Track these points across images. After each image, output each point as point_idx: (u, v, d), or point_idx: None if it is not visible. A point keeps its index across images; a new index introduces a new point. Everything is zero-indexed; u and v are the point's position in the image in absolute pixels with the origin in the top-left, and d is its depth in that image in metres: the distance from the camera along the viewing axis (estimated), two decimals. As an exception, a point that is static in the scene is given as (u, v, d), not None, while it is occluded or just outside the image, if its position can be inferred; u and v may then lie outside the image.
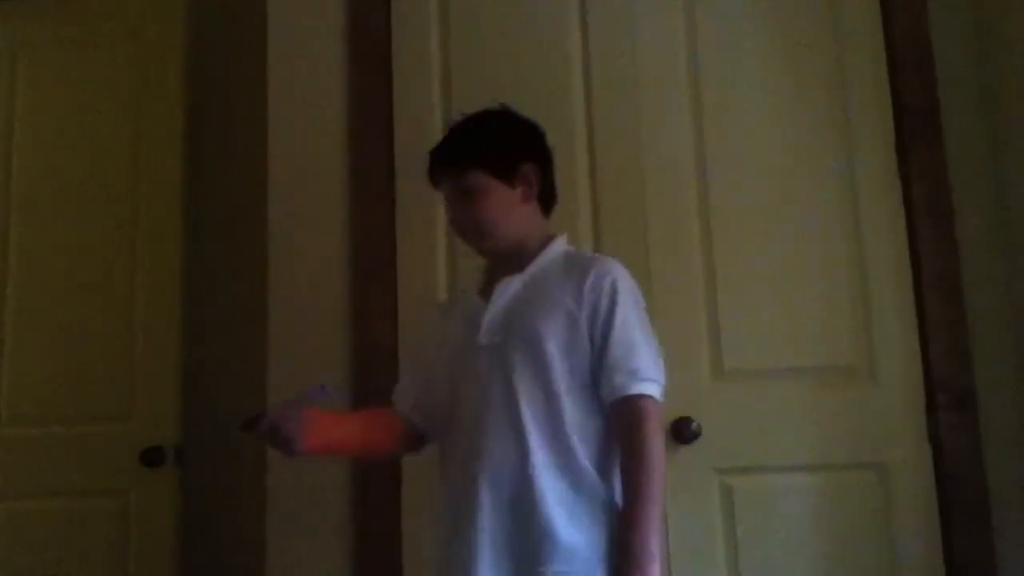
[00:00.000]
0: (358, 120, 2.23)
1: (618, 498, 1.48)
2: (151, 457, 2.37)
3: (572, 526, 1.45)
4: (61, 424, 2.48)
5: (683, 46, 2.21)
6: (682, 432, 2.01)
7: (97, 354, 2.48)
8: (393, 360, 2.14)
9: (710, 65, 2.19)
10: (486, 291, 1.61)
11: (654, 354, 1.53)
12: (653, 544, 1.40)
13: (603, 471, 1.49)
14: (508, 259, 1.62)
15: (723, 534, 2.00)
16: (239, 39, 2.50)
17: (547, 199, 1.69)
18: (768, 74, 2.19)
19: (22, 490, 2.47)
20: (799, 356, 2.08)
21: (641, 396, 1.48)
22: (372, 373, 2.13)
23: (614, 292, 1.51)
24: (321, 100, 2.24)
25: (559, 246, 1.64)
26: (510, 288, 1.58)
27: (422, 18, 2.27)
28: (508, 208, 1.61)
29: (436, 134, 2.19)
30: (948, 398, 2.01)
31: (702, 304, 2.10)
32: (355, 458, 1.67)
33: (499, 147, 1.63)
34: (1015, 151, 2.06)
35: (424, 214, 2.19)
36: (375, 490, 2.11)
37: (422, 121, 2.22)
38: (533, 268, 1.59)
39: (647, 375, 1.49)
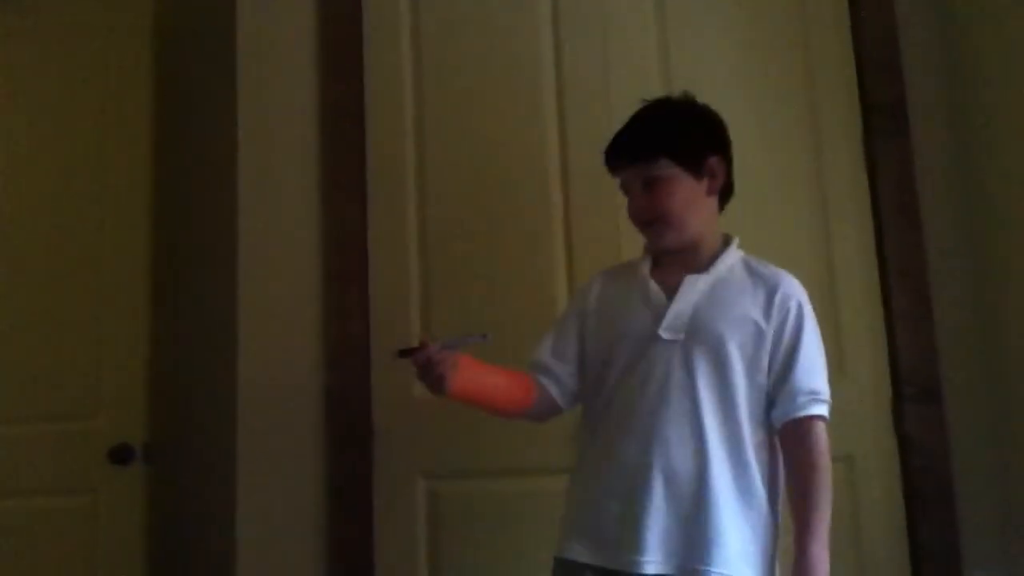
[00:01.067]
0: (330, 119, 2.23)
1: (778, 520, 1.53)
2: (119, 455, 2.35)
3: (740, 536, 1.48)
4: (28, 422, 2.45)
5: (654, 41, 2.21)
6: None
7: (64, 351, 2.46)
8: (366, 359, 2.14)
9: (680, 62, 2.20)
10: (665, 282, 1.58)
11: (826, 377, 1.56)
12: (827, 555, 1.46)
13: (768, 490, 1.53)
14: (685, 254, 1.60)
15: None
16: (209, 35, 2.48)
17: (726, 194, 1.66)
18: (738, 71, 2.20)
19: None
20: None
21: (821, 417, 1.53)
22: (344, 371, 2.13)
23: (801, 313, 1.54)
24: (293, 99, 2.23)
25: (736, 250, 1.62)
26: (697, 286, 1.56)
27: (394, 17, 2.27)
28: (694, 200, 1.58)
29: (408, 133, 2.22)
30: (914, 391, 2.03)
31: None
32: (489, 412, 1.65)
33: (688, 137, 1.59)
34: (981, 147, 2.08)
35: (396, 214, 2.19)
36: (348, 489, 2.11)
37: (394, 120, 2.23)
38: (718, 269, 1.58)
39: (825, 397, 1.54)
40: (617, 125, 2.12)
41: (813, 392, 1.51)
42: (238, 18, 2.25)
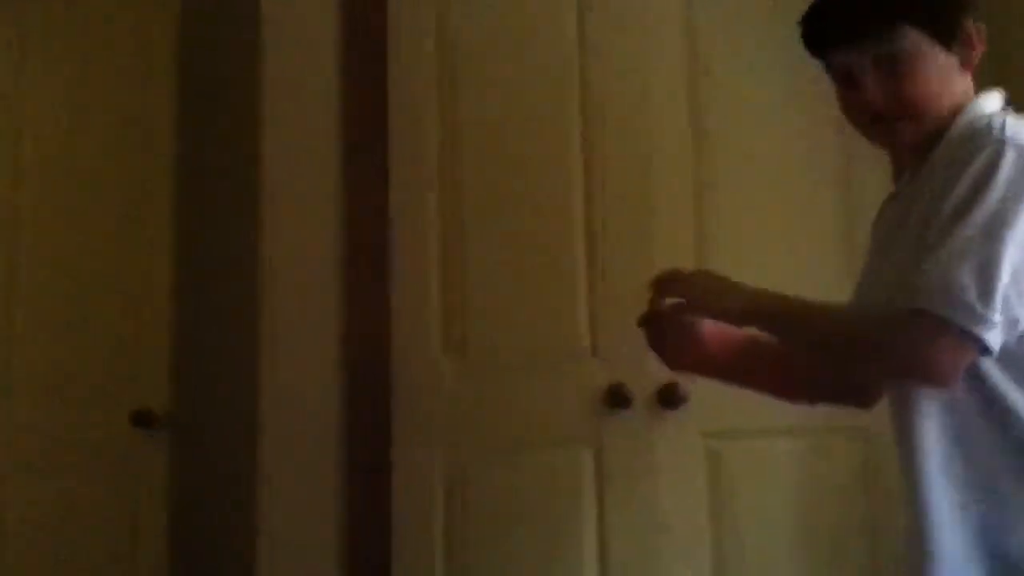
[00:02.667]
0: (353, 101, 2.24)
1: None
2: (141, 419, 2.38)
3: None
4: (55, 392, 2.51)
5: (681, 36, 2.21)
6: (669, 397, 2.02)
7: (89, 316, 2.50)
8: (387, 334, 2.16)
9: (708, 47, 2.20)
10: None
11: (980, 270, 1.03)
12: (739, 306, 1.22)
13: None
14: (920, 152, 1.21)
15: (708, 498, 2.03)
16: (233, 23, 2.49)
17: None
18: (767, 72, 2.18)
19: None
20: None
21: (924, 314, 1.04)
22: (365, 346, 2.15)
23: (968, 160, 1.08)
24: (316, 80, 2.24)
25: (975, 110, 1.18)
26: (891, 208, 1.27)
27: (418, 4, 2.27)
28: (946, 80, 1.18)
29: (432, 113, 2.21)
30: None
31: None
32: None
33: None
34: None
35: (418, 192, 2.21)
36: (368, 462, 2.13)
37: (417, 102, 2.23)
38: (927, 166, 1.18)
39: (944, 297, 1.04)
40: (644, 108, 2.15)
41: (930, 281, 1.04)
42: (262, 5, 2.26)
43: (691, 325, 1.31)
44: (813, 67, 2.12)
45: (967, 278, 1.01)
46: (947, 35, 1.18)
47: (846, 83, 1.23)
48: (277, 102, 2.21)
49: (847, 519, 2.01)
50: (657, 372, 2.02)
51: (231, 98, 2.45)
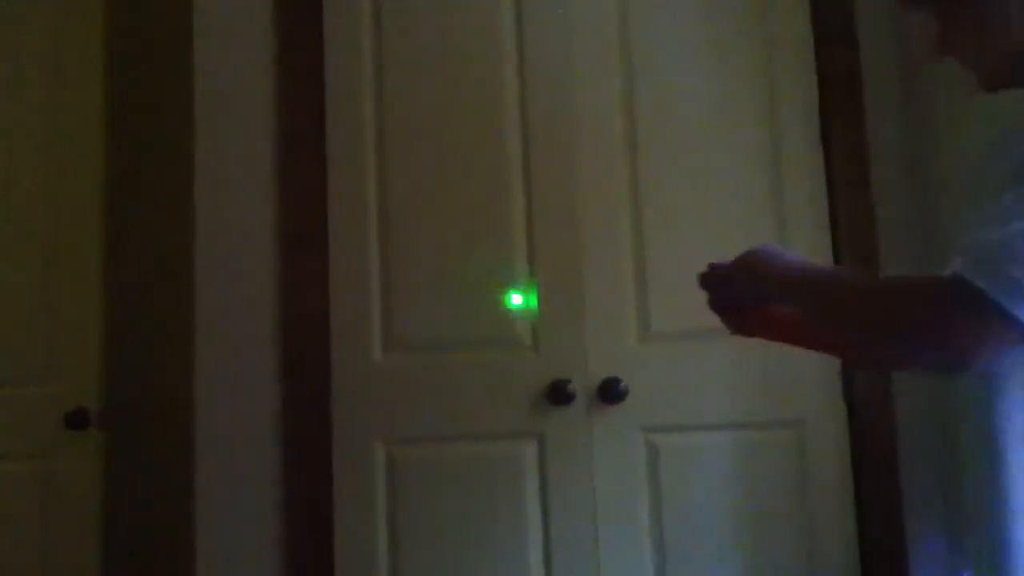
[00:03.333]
0: (287, 81, 2.21)
1: None
2: (75, 420, 2.33)
3: None
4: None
5: (615, 12, 2.22)
6: (610, 392, 2.06)
7: (19, 315, 2.42)
8: (325, 323, 2.14)
9: (641, 31, 2.22)
10: None
11: None
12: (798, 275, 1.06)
13: None
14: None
15: (648, 491, 2.06)
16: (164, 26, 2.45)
17: None
18: (696, 42, 2.22)
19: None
20: (722, 319, 2.14)
21: (968, 284, 0.86)
22: (303, 335, 2.13)
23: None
24: (250, 61, 2.20)
25: None
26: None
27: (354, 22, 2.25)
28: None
29: (368, 96, 2.21)
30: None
31: (630, 269, 2.14)
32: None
33: None
34: (934, 121, 2.12)
35: (356, 179, 2.19)
36: (307, 453, 2.12)
37: (353, 83, 2.21)
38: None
39: (1001, 262, 0.86)
40: (577, 87, 2.17)
41: (980, 246, 0.88)
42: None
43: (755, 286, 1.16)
44: (745, 62, 2.19)
45: (1020, 249, 0.85)
46: None
47: (927, 30, 1.10)
48: (211, 103, 2.17)
49: (782, 509, 2.06)
50: (598, 368, 2.07)
51: (162, 87, 2.40)
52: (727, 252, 2.08)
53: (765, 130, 2.19)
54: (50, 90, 2.50)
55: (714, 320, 2.08)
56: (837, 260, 2.13)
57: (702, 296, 2.08)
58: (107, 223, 2.44)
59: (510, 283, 2.14)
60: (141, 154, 2.51)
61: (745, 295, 1.17)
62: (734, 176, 2.18)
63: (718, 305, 1.23)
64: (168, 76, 2.36)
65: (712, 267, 1.22)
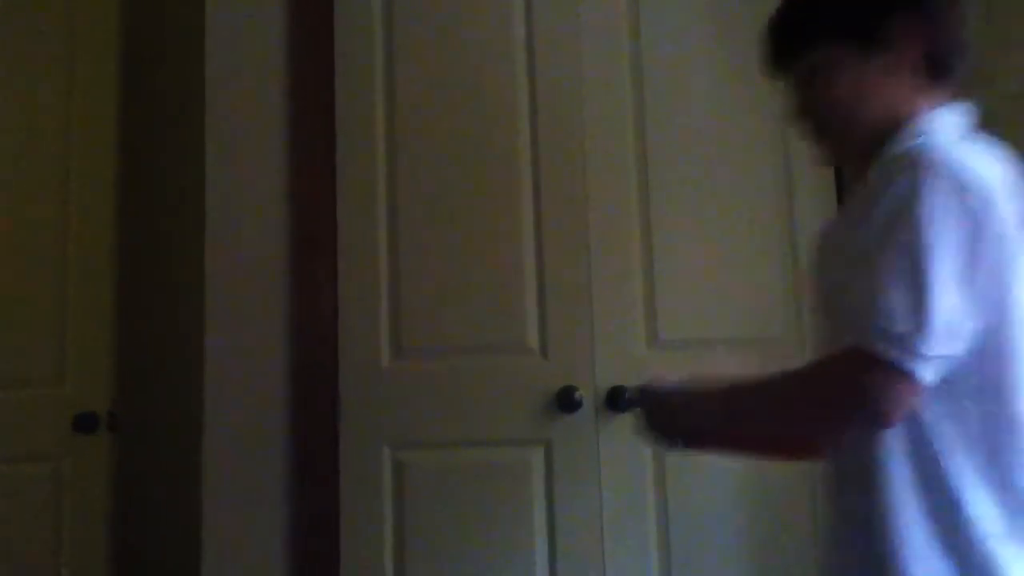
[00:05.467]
0: (299, 88, 2.20)
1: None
2: (84, 423, 2.34)
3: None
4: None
5: (625, 22, 2.21)
6: (618, 400, 2.05)
7: (30, 318, 2.44)
8: (333, 328, 2.14)
9: (651, 37, 2.21)
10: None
11: (914, 300, 0.98)
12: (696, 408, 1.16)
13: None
14: (866, 161, 1.15)
15: (655, 499, 2.05)
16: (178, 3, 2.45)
17: (938, 64, 1.15)
18: (707, 49, 2.21)
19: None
20: (731, 327, 2.13)
21: (862, 351, 1.00)
22: (311, 341, 2.13)
23: (887, 187, 1.04)
24: (262, 68, 2.20)
25: (920, 126, 1.12)
26: (826, 237, 1.22)
27: (365, 21, 2.24)
28: (866, 87, 1.14)
29: (379, 102, 2.21)
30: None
31: (639, 275, 2.13)
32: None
33: (849, 3, 1.15)
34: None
35: (365, 184, 2.19)
36: (314, 458, 2.12)
37: (364, 88, 2.21)
38: (864, 189, 1.11)
39: (872, 321, 1.00)
40: (586, 98, 2.16)
41: (851, 309, 1.02)
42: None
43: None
44: (754, 72, 2.18)
45: (898, 310, 0.97)
46: (866, 42, 1.13)
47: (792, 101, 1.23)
48: (222, 105, 2.17)
49: (790, 518, 2.04)
50: (606, 375, 2.07)
51: (174, 95, 2.41)
52: (737, 261, 2.10)
53: (777, 139, 2.17)
54: (63, 96, 2.53)
55: (724, 329, 2.10)
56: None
57: (711, 304, 2.10)
58: (118, 227, 2.46)
59: (519, 289, 2.13)
60: (152, 159, 2.52)
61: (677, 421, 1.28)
62: (745, 185, 2.17)
63: (655, 429, 1.31)
64: (180, 84, 2.37)
65: (643, 392, 1.33)
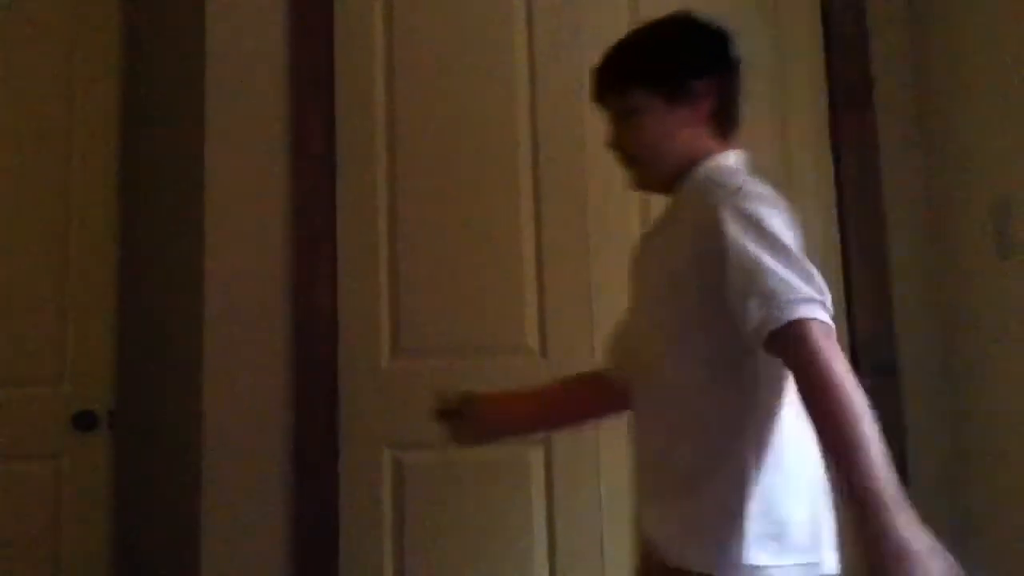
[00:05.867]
0: (299, 83, 2.20)
1: (752, 466, 1.24)
2: (84, 421, 2.34)
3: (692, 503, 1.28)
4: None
5: (626, 16, 2.19)
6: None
7: (30, 317, 2.43)
8: (332, 328, 2.14)
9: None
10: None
11: (799, 271, 1.18)
12: (882, 495, 1.06)
13: (732, 433, 1.26)
14: (670, 193, 1.42)
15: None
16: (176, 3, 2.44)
17: (725, 120, 1.42)
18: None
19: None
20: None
21: (792, 321, 1.15)
22: (311, 340, 2.13)
23: (722, 228, 1.23)
24: (261, 62, 2.19)
25: (709, 164, 1.37)
26: (648, 238, 1.45)
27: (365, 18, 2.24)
28: (669, 131, 1.38)
29: (379, 98, 2.21)
30: (871, 367, 2.07)
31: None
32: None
33: (662, 60, 1.40)
34: (944, 124, 2.11)
35: (364, 181, 2.19)
36: (314, 457, 2.12)
37: (364, 84, 2.21)
38: (670, 208, 1.40)
39: (790, 297, 1.16)
40: (586, 94, 2.15)
41: (771, 292, 1.17)
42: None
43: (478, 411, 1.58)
44: (753, 68, 2.18)
45: (794, 282, 1.17)
46: (673, 95, 1.37)
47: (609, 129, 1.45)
48: (222, 104, 2.17)
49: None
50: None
51: (175, 92, 2.41)
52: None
53: (777, 137, 2.18)
54: (64, 93, 2.51)
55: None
56: (846, 262, 2.12)
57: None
58: (119, 226, 2.45)
59: (519, 289, 2.13)
60: (153, 158, 2.51)
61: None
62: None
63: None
64: (181, 82, 2.36)
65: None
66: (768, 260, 1.18)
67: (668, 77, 1.38)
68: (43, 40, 2.54)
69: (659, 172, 1.40)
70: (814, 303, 1.16)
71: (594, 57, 2.13)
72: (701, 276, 1.26)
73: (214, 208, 2.15)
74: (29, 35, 2.54)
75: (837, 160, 2.17)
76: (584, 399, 1.64)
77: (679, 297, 1.29)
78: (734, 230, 1.21)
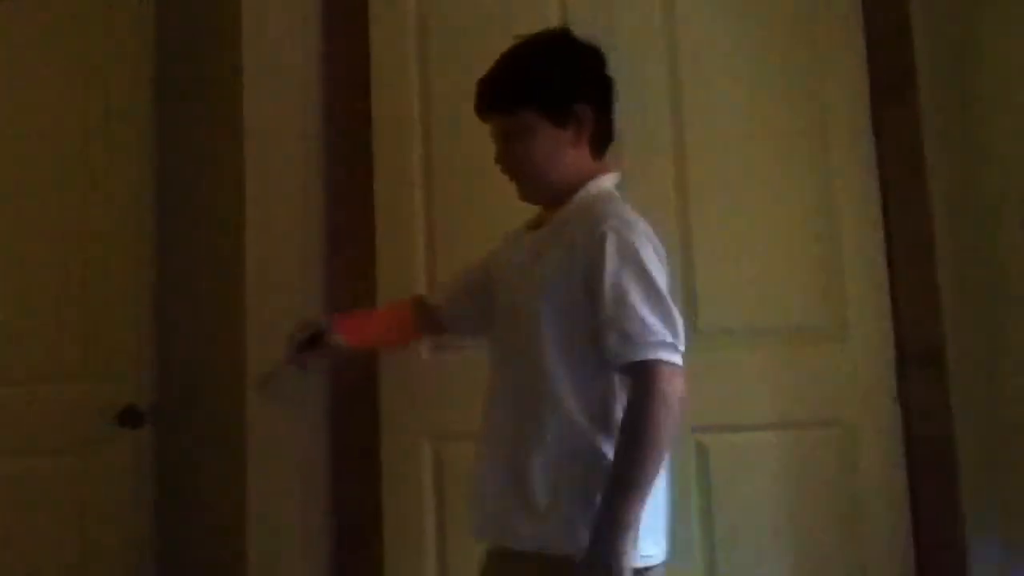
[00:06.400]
0: (335, 78, 2.22)
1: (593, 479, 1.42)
2: (128, 417, 2.36)
3: (550, 490, 1.43)
4: (38, 383, 2.47)
5: (660, 11, 2.20)
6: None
7: (71, 312, 2.46)
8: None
9: (687, 30, 2.19)
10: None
11: (661, 314, 1.39)
12: (623, 544, 1.33)
13: (603, 431, 1.43)
14: (552, 205, 1.54)
15: (697, 491, 2.03)
16: (211, 28, 2.47)
17: (602, 140, 1.56)
18: (743, 33, 2.19)
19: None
20: (772, 316, 2.10)
21: (641, 362, 1.37)
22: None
23: (603, 247, 1.39)
24: (298, 54, 2.21)
25: (593, 188, 1.51)
26: (523, 243, 1.55)
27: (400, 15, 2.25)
28: (555, 152, 1.50)
29: (414, 92, 2.21)
30: (917, 357, 2.04)
31: (677, 266, 2.10)
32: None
33: (551, 84, 1.49)
34: (989, 113, 2.08)
35: (401, 169, 2.21)
36: (355, 450, 2.13)
37: (400, 77, 2.22)
38: (557, 219, 1.51)
39: (646, 339, 1.37)
40: (623, 88, 2.12)
41: (626, 335, 1.36)
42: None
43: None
44: (792, 65, 2.16)
45: (657, 327, 1.38)
46: (558, 117, 1.48)
47: (494, 141, 1.56)
48: (258, 103, 2.20)
49: (834, 513, 2.02)
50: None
51: (212, 99, 2.43)
52: (775, 252, 2.08)
53: (815, 124, 2.15)
54: (98, 85, 2.54)
55: (764, 318, 2.08)
56: (890, 250, 2.09)
57: (752, 294, 2.08)
58: (158, 220, 2.47)
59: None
60: (191, 150, 2.53)
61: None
62: (783, 170, 2.14)
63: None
64: (216, 83, 2.38)
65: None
66: (636, 298, 1.37)
67: (556, 100, 1.48)
68: (77, 34, 2.58)
69: (545, 189, 1.52)
70: (666, 346, 1.37)
71: (627, 44, 2.16)
72: (584, 294, 1.41)
73: (253, 203, 2.17)
74: (63, 29, 2.59)
75: (880, 148, 2.14)
76: (419, 323, 1.82)
77: (561, 307, 1.43)
78: (614, 262, 1.38)
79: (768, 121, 2.16)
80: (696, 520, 2.03)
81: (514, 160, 1.51)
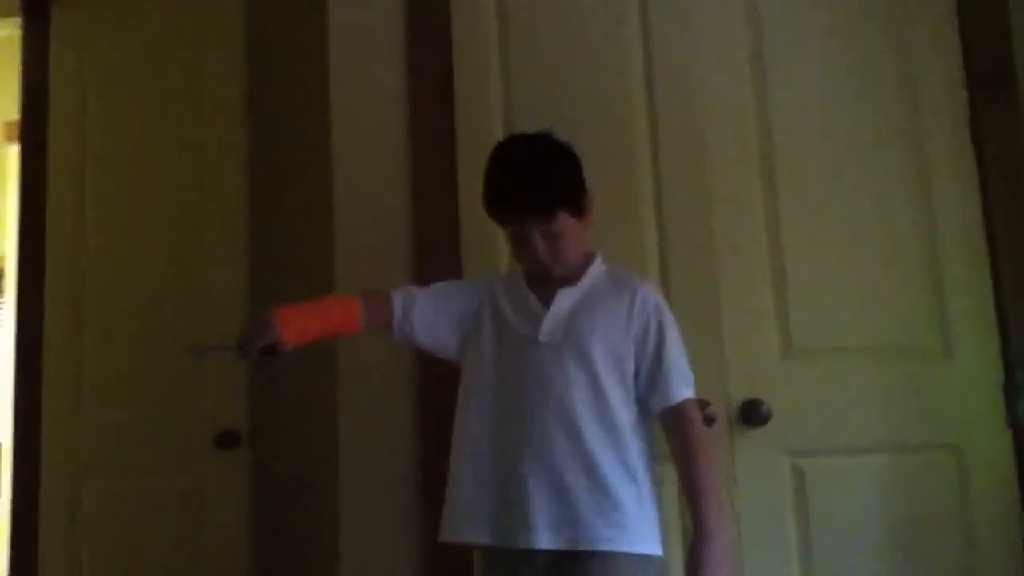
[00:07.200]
0: (418, 93, 2.21)
1: (645, 488, 1.66)
2: (226, 440, 2.42)
3: (627, 507, 1.63)
4: (141, 407, 2.55)
5: (743, 16, 2.17)
6: (752, 414, 1.99)
7: (171, 338, 2.53)
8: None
9: (773, 38, 2.16)
10: (541, 295, 1.74)
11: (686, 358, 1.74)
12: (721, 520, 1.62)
13: (646, 465, 1.68)
14: (568, 274, 1.76)
15: (794, 517, 1.98)
16: (300, 30, 2.51)
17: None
18: (834, 43, 2.15)
19: (108, 470, 2.55)
20: (870, 334, 2.05)
21: (690, 399, 1.70)
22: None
23: (660, 312, 1.73)
24: (381, 69, 2.23)
25: (600, 264, 1.78)
26: (569, 297, 1.73)
27: (481, 23, 2.25)
28: (580, 237, 1.75)
29: (494, 105, 2.19)
30: (1021, 356, 1.97)
31: (769, 283, 2.08)
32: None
33: (576, 187, 1.73)
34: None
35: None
36: (444, 471, 2.13)
37: (481, 92, 2.22)
38: (586, 281, 1.75)
39: (691, 382, 1.71)
40: (708, 102, 2.11)
41: (685, 377, 1.70)
42: (330, 19, 2.27)
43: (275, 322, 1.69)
44: (880, 61, 2.09)
45: (688, 374, 1.71)
46: (579, 212, 1.72)
47: (518, 241, 1.74)
48: (346, 116, 2.21)
49: (940, 539, 1.95)
50: (738, 388, 2.01)
51: (301, 112, 2.47)
52: (872, 263, 2.02)
53: (907, 128, 2.10)
54: (192, 100, 2.62)
55: (861, 336, 2.02)
56: (995, 265, 2.01)
57: (848, 311, 2.02)
58: (251, 242, 2.52)
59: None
60: (283, 170, 2.56)
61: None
62: (879, 182, 2.10)
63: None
64: (304, 93, 2.42)
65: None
66: (680, 350, 1.72)
67: (579, 200, 1.72)
68: (173, 37, 2.68)
69: (567, 269, 1.74)
70: (693, 386, 1.71)
71: (712, 49, 2.12)
72: (637, 337, 1.70)
73: (342, 222, 2.19)
74: (162, 34, 2.69)
75: (980, 161, 2.07)
76: (366, 322, 1.81)
77: (608, 347, 1.68)
78: (670, 319, 1.73)
79: (861, 133, 2.11)
80: (794, 546, 1.98)
81: (556, 254, 1.71)
